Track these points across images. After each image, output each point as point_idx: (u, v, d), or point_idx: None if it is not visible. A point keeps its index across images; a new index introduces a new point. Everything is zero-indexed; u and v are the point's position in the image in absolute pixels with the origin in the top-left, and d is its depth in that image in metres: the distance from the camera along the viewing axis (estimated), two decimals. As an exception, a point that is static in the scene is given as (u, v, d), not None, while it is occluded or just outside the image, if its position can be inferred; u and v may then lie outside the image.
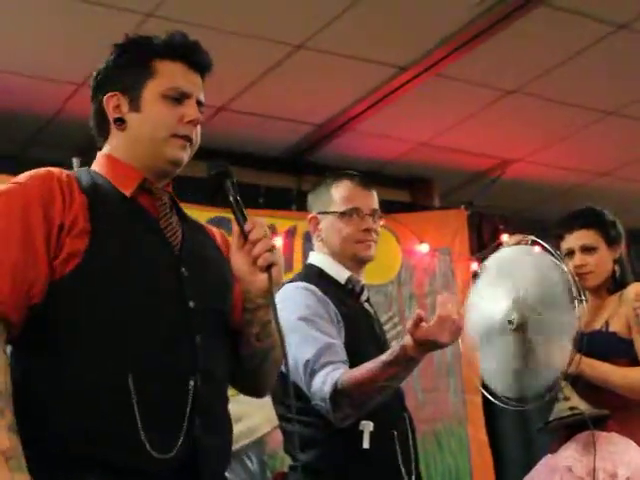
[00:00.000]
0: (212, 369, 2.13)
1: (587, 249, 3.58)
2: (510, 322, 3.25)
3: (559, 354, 3.26)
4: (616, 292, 3.58)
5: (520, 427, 6.25)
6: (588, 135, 6.07)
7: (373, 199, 3.24)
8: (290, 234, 5.86)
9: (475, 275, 3.59)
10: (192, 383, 2.06)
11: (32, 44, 4.64)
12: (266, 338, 2.25)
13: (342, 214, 3.16)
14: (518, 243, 3.47)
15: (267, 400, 3.26)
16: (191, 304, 2.12)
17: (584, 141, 6.15)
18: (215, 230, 2.41)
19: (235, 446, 5.26)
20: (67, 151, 5.17)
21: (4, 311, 1.98)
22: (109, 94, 2.24)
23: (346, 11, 4.60)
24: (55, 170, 2.15)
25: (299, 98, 5.45)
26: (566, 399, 3.32)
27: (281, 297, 3.08)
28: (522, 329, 3.25)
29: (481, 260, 3.64)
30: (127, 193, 2.19)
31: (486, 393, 3.40)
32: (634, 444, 3.31)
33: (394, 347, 2.77)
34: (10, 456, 1.86)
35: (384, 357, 2.77)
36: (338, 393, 2.80)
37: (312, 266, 3.22)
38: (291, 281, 3.18)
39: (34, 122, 5.26)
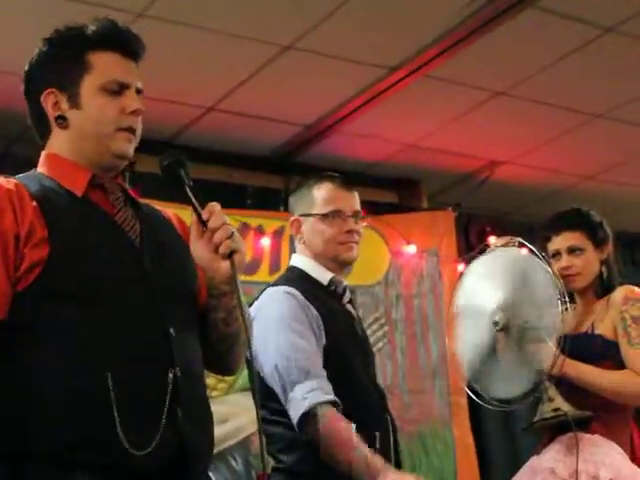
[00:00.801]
0: (189, 360, 2.11)
1: (574, 250, 3.58)
2: (495, 323, 3.27)
3: (543, 355, 3.27)
4: (604, 295, 3.57)
5: (505, 428, 6.27)
6: (576, 138, 6.08)
7: (355, 200, 3.22)
8: (278, 234, 5.86)
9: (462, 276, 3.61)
10: (171, 376, 2.04)
11: (20, 42, 4.62)
12: (234, 322, 2.23)
13: (324, 216, 3.15)
14: (505, 245, 3.49)
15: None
16: (159, 296, 2.10)
17: (572, 143, 6.16)
18: (171, 212, 2.38)
19: (221, 446, 5.27)
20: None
21: None
22: (46, 91, 2.19)
23: (335, 12, 4.60)
24: (1, 180, 2.10)
25: (288, 99, 5.45)
26: (550, 400, 3.33)
27: (263, 301, 3.08)
28: (506, 330, 3.27)
29: (468, 262, 3.65)
30: (78, 193, 2.15)
31: (471, 394, 3.41)
32: (617, 447, 3.33)
33: (376, 462, 2.77)
34: None
35: (366, 454, 2.77)
36: (312, 418, 2.80)
37: (294, 268, 3.21)
38: (274, 284, 3.17)
39: (20, 120, 5.23)
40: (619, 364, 3.42)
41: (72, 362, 1.98)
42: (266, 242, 5.83)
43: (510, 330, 3.27)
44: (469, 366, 3.40)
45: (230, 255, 2.10)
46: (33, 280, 2.00)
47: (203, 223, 2.13)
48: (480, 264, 3.51)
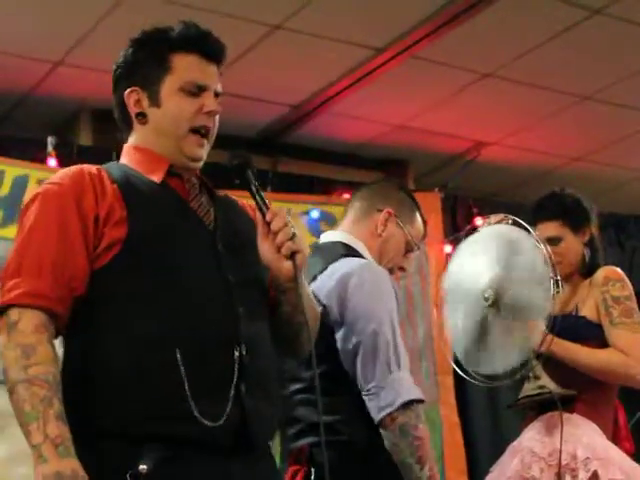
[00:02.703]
0: (255, 339, 2.22)
1: (552, 241, 3.55)
2: (486, 299, 3.29)
3: (531, 333, 3.29)
4: (588, 276, 3.59)
5: (491, 407, 6.28)
6: (563, 119, 6.09)
7: None
8: (265, 215, 5.84)
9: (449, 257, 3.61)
10: (237, 353, 2.15)
11: (9, 20, 4.61)
12: (298, 315, 2.32)
13: (409, 241, 3.21)
14: (499, 222, 3.49)
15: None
16: (231, 278, 2.21)
17: (559, 125, 6.18)
18: (245, 202, 2.49)
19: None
20: (42, 129, 5.14)
21: (49, 305, 2.10)
22: (129, 90, 2.32)
23: (323, -8, 4.60)
24: (85, 166, 2.26)
25: (275, 79, 5.45)
26: (536, 378, 3.34)
27: (371, 276, 3.02)
28: (496, 306, 3.29)
29: (454, 243, 3.66)
30: (157, 179, 2.28)
31: (458, 369, 3.43)
32: (595, 426, 3.36)
33: None
34: (59, 443, 1.97)
35: None
36: (412, 411, 2.83)
37: (350, 248, 3.17)
38: (349, 256, 3.11)
39: (8, 99, 5.23)
40: (603, 345, 3.44)
41: (143, 337, 2.10)
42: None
43: (500, 306, 3.29)
44: (458, 342, 3.43)
45: (292, 256, 2.20)
46: (111, 258, 2.15)
47: (267, 224, 2.23)
48: (472, 241, 3.52)
